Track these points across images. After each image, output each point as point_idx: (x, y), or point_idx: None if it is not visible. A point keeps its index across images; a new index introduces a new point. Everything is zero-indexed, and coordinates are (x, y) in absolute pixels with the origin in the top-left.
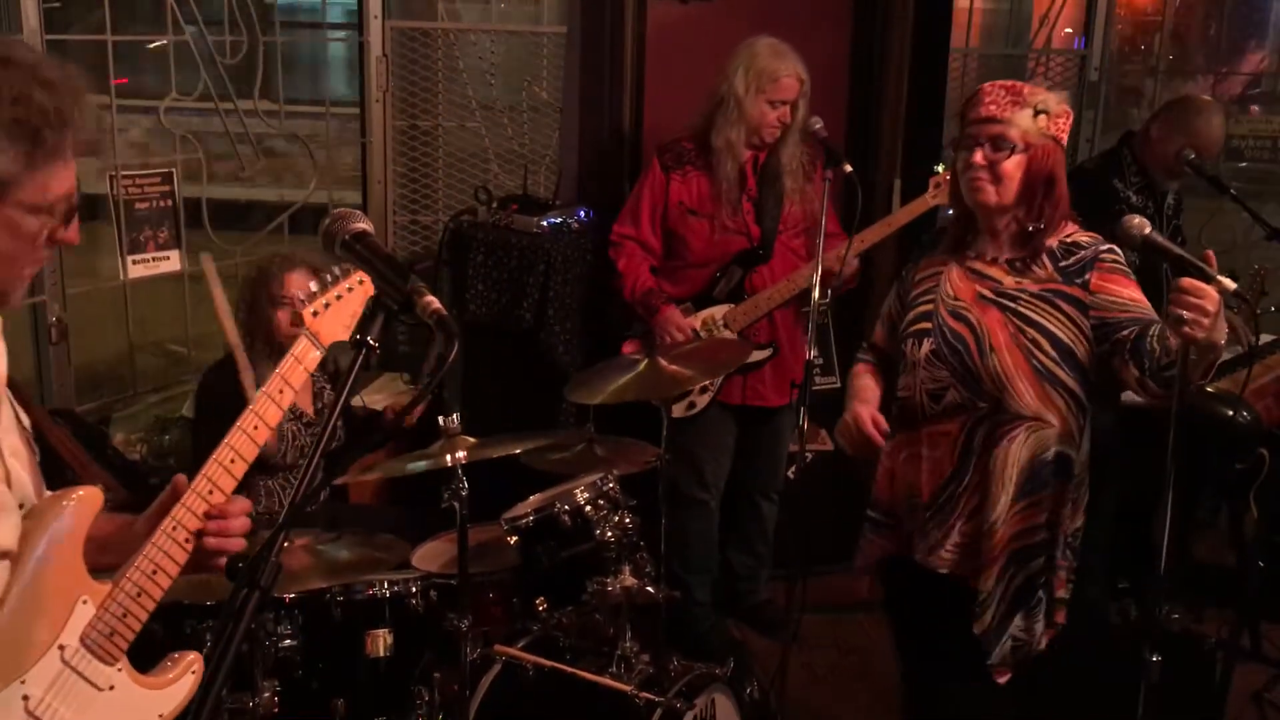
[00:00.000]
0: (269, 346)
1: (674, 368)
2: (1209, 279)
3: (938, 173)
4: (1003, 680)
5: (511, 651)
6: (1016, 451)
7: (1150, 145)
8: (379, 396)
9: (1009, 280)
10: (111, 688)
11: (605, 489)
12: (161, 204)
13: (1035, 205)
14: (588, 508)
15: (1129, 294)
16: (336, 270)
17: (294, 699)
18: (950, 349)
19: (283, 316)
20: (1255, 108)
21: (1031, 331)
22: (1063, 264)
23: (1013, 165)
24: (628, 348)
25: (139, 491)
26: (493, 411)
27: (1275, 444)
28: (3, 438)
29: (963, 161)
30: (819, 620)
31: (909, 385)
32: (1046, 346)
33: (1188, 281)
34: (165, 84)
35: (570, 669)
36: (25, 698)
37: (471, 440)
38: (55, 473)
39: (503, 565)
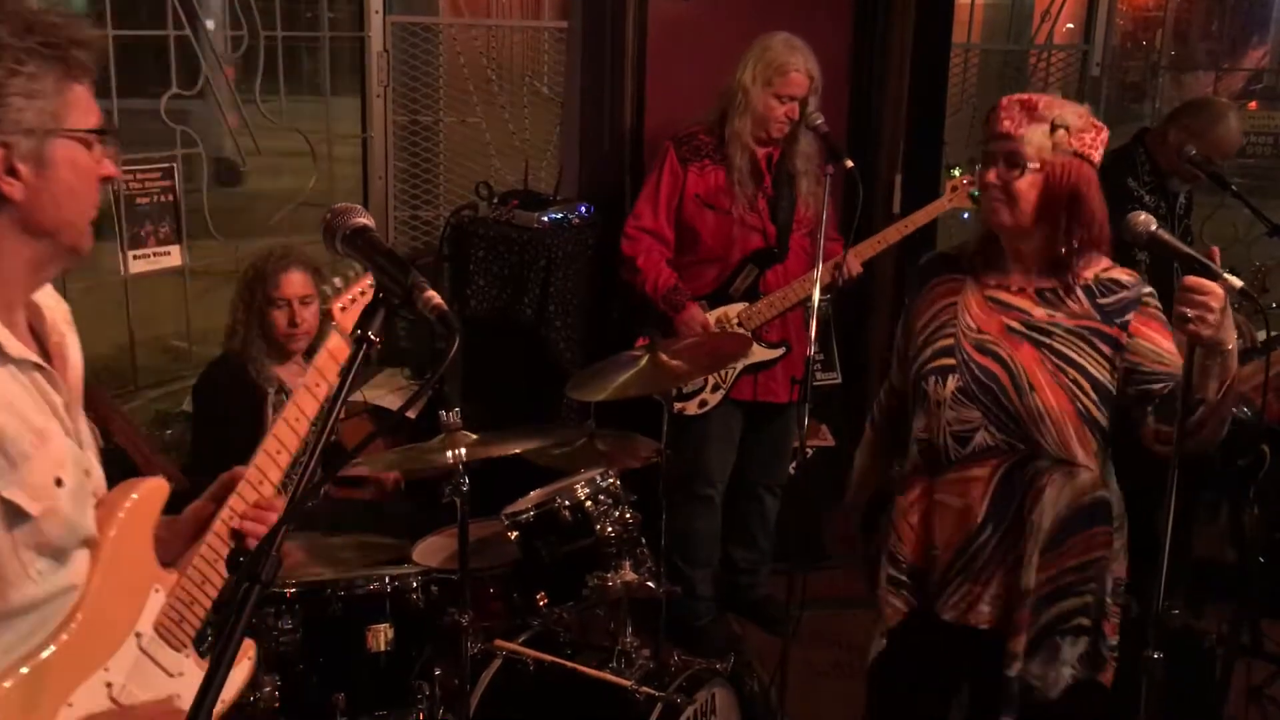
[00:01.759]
0: (267, 344)
1: (675, 363)
2: (1215, 276)
3: (954, 175)
4: None
5: (512, 646)
6: (1053, 498)
7: (1167, 149)
8: (380, 391)
9: (1039, 312)
10: (180, 674)
11: (606, 484)
12: (162, 199)
13: (1059, 227)
14: (588, 503)
15: (1167, 345)
16: (359, 265)
17: (294, 693)
18: (981, 387)
19: (279, 317)
20: (1254, 103)
21: (1072, 372)
22: (1100, 301)
23: (1026, 184)
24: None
25: None
26: (494, 406)
27: (1276, 440)
28: (82, 434)
29: (981, 179)
30: (819, 616)
31: (930, 427)
32: (1088, 388)
33: (1192, 279)
34: (165, 78)
35: (570, 664)
36: (109, 684)
37: (472, 436)
38: (118, 464)
39: (503, 560)
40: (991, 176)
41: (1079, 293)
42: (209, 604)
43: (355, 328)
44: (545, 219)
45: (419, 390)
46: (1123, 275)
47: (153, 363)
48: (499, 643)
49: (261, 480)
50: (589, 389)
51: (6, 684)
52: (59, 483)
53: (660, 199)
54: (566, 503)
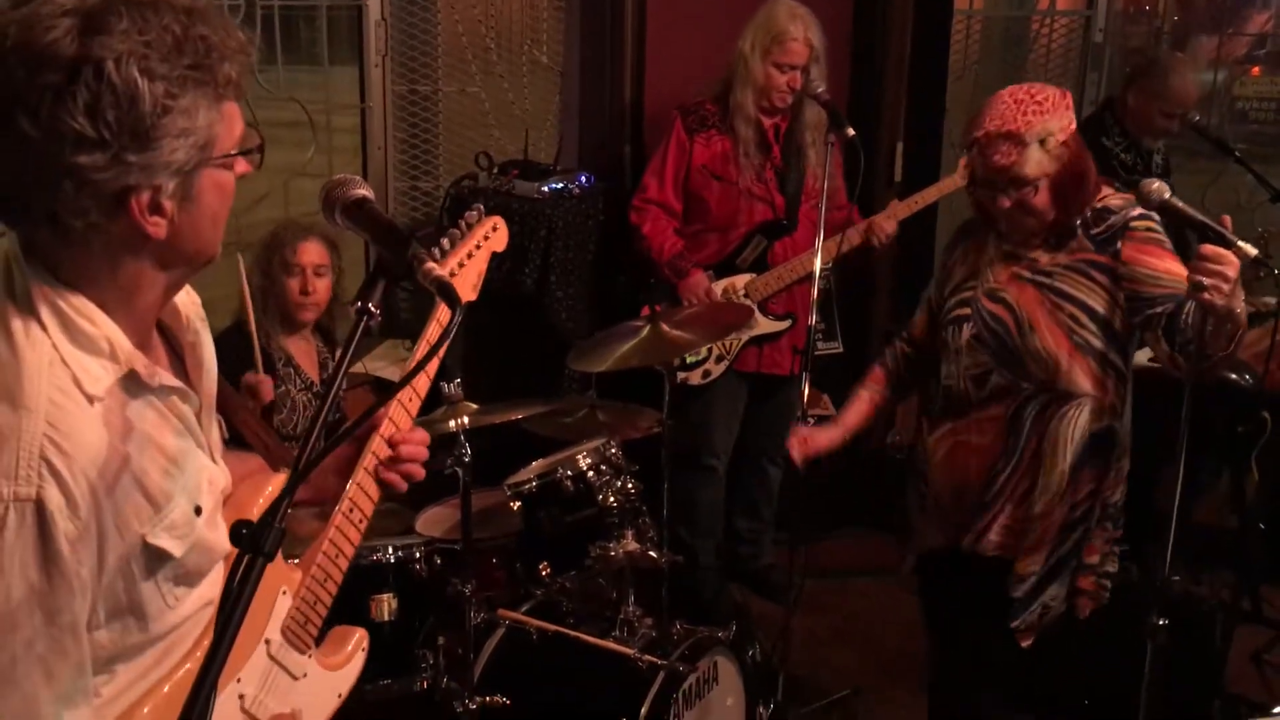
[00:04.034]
0: (280, 313)
1: (676, 333)
2: (1229, 244)
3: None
4: (1026, 644)
5: (515, 616)
6: (1068, 430)
7: (1128, 111)
8: (382, 363)
9: (1045, 258)
10: (305, 675)
11: (608, 454)
12: None
13: (1073, 204)
14: (590, 473)
15: (1163, 265)
16: (464, 224)
17: None
18: (990, 332)
19: (292, 283)
20: (1257, 69)
21: (1069, 306)
22: (1093, 231)
23: (1040, 195)
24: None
25: None
26: (494, 378)
27: (1278, 407)
28: (213, 439)
29: (990, 202)
30: (821, 585)
31: (952, 373)
32: (1084, 320)
33: (1210, 248)
34: None
35: (573, 633)
36: (241, 696)
37: (473, 406)
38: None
39: (506, 530)
40: (1005, 203)
41: (1077, 229)
42: (330, 601)
43: (355, 299)
44: (546, 189)
45: (421, 361)
46: (1114, 200)
47: None
48: (502, 612)
49: (363, 477)
50: (590, 360)
51: (146, 708)
52: (198, 511)
53: (667, 171)
54: (569, 473)
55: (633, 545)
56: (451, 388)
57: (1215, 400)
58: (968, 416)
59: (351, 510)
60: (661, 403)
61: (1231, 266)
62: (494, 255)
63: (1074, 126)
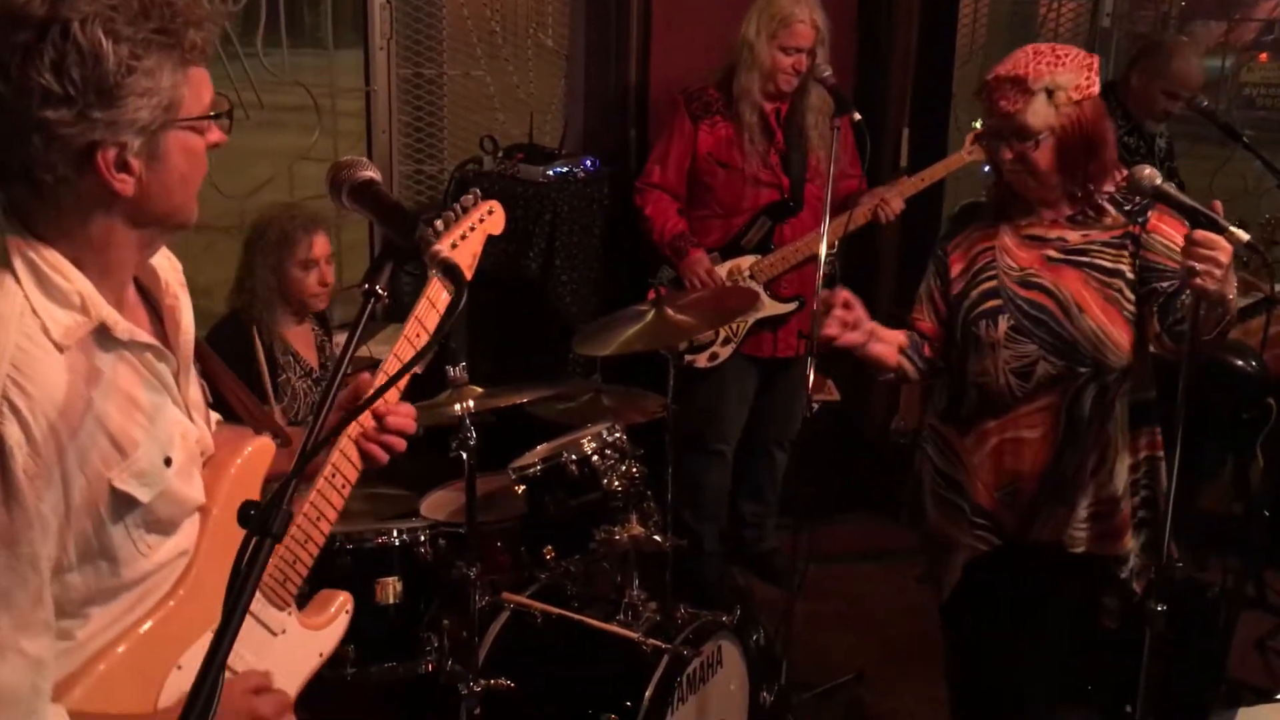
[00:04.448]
0: (291, 306)
1: (681, 317)
2: (1221, 230)
3: (975, 128)
4: (1113, 625)
5: (519, 599)
6: (1125, 406)
7: (1132, 93)
8: (386, 348)
9: (1074, 236)
10: (284, 631)
11: (612, 438)
12: None
13: (1079, 170)
14: (595, 457)
15: (1180, 241)
16: (459, 206)
17: None
18: (1033, 320)
19: (311, 278)
20: (1265, 55)
21: (1115, 280)
22: (1126, 207)
23: (1042, 152)
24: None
25: None
26: (499, 362)
27: None
28: (191, 397)
29: (995, 155)
30: (824, 569)
31: (987, 369)
32: (1127, 291)
33: (1201, 233)
34: None
35: (578, 616)
36: None
37: (478, 390)
38: (227, 420)
39: (510, 514)
40: (1007, 154)
41: (1107, 205)
42: (310, 561)
43: (362, 281)
44: (550, 173)
45: (427, 344)
46: None
47: None
48: (507, 595)
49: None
50: (595, 344)
51: (120, 649)
52: (168, 462)
53: (671, 158)
54: (573, 457)
55: (637, 529)
56: (457, 371)
57: (1220, 387)
58: (1012, 412)
59: (334, 476)
60: (666, 387)
61: (1224, 252)
62: (496, 239)
63: (1093, 90)
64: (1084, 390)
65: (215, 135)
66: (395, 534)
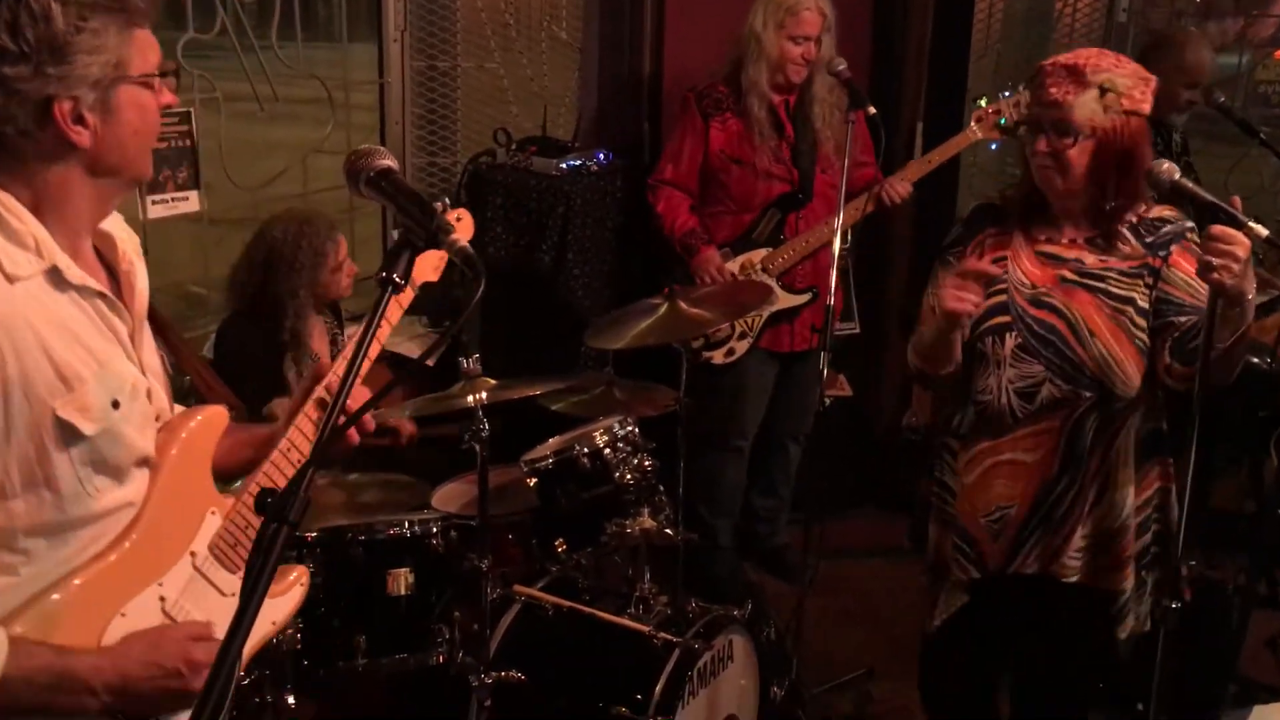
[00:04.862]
0: (320, 301)
1: (695, 311)
2: (1240, 225)
3: (980, 106)
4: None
5: (531, 592)
6: (1129, 438)
7: None
8: (398, 339)
9: (1091, 259)
10: (234, 594)
11: (624, 432)
12: (180, 144)
13: (1109, 185)
14: (607, 450)
15: (1199, 282)
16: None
17: (316, 635)
18: (1041, 340)
19: (345, 279)
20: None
21: (1129, 310)
22: (1148, 239)
23: (1078, 152)
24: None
25: None
26: (512, 355)
27: None
28: (146, 359)
29: (1029, 146)
30: (835, 565)
31: (990, 387)
32: (1140, 321)
33: (1219, 228)
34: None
35: (588, 609)
36: (162, 599)
37: (491, 381)
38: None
39: (522, 507)
40: (1042, 145)
41: (1127, 234)
42: None
43: (380, 270)
44: (564, 166)
45: (444, 333)
46: (1166, 212)
47: (171, 309)
48: (518, 588)
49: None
50: (607, 337)
51: (59, 593)
52: (115, 404)
53: (683, 156)
54: (585, 450)
55: (649, 523)
56: (470, 363)
57: (1234, 384)
58: (1010, 434)
59: (289, 450)
60: (679, 380)
61: (1241, 247)
62: (509, 231)
63: (1144, 107)
64: (1087, 417)
65: (167, 97)
66: (407, 526)
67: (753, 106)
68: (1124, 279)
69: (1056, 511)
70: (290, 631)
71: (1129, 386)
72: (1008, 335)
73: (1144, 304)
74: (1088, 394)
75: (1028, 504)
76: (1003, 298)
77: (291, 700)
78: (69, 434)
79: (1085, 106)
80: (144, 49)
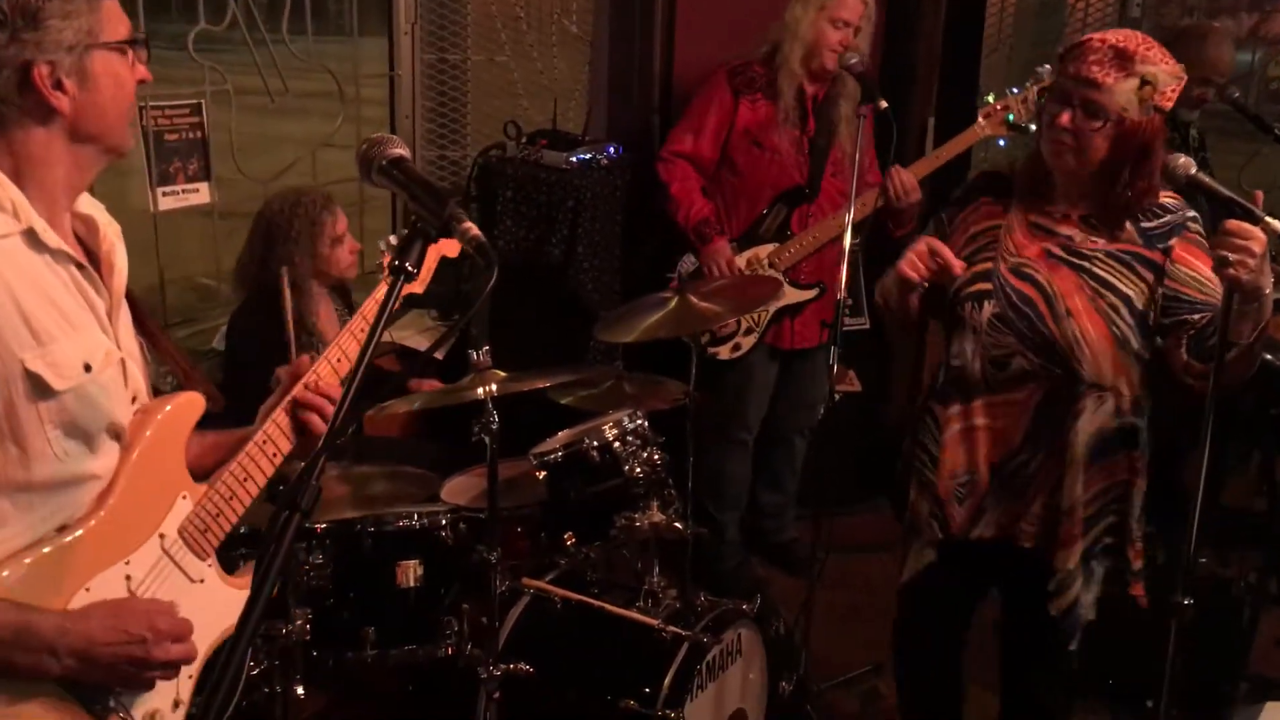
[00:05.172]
0: (323, 278)
1: (704, 305)
2: (1256, 220)
3: (988, 103)
4: (1071, 647)
5: (539, 585)
6: (1088, 422)
7: None
8: (408, 332)
9: (1080, 237)
10: (202, 580)
11: (634, 425)
12: (191, 135)
13: (1121, 178)
14: (616, 444)
15: (1207, 273)
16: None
17: (325, 627)
18: (1017, 313)
19: (347, 254)
20: None
21: (1111, 296)
22: (1144, 225)
23: (1101, 137)
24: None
25: None
26: (521, 348)
27: None
28: (123, 340)
29: (1049, 115)
30: (843, 559)
31: (964, 352)
32: (1124, 312)
33: (1235, 223)
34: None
35: (597, 603)
36: (128, 577)
37: (501, 374)
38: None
39: (531, 500)
40: (1065, 120)
41: (1127, 224)
42: (234, 518)
43: (393, 258)
44: (574, 159)
45: (455, 323)
46: (1167, 199)
47: (182, 301)
48: (527, 581)
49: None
50: (617, 330)
51: (28, 560)
52: (87, 368)
53: (706, 127)
54: (595, 443)
55: (658, 516)
56: (480, 356)
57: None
58: (976, 399)
59: (265, 443)
60: (688, 374)
61: (1258, 242)
62: (518, 225)
63: (1169, 105)
64: (1054, 394)
65: (141, 72)
66: (416, 518)
67: (783, 87)
68: (1110, 262)
69: (1016, 481)
70: (300, 623)
71: (1095, 371)
72: (986, 303)
73: (1137, 300)
74: (1057, 370)
75: (991, 471)
76: (988, 265)
77: (301, 691)
78: (39, 388)
79: (1124, 94)
80: (113, 19)
